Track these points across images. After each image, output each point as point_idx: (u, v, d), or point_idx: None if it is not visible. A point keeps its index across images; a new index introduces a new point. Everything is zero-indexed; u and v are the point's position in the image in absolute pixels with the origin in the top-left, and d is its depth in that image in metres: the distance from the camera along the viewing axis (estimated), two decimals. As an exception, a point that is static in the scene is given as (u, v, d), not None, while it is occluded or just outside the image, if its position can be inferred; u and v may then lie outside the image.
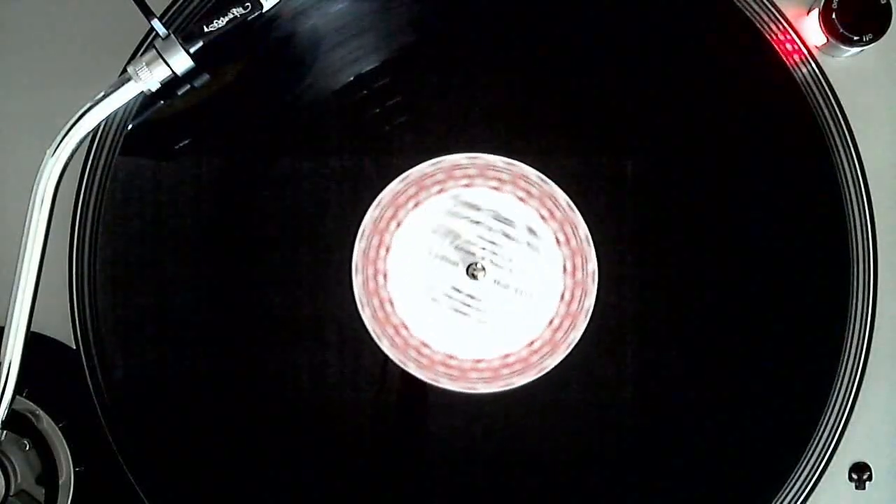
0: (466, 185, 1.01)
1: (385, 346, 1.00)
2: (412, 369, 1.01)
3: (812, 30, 1.02)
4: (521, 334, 1.01)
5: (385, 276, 1.01)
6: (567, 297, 1.01)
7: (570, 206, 1.01)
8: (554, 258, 1.01)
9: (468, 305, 1.01)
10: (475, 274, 1.00)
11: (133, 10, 0.91)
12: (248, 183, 1.01)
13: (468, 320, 1.01)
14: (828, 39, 1.00)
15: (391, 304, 1.01)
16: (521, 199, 1.01)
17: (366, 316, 1.00)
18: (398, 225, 1.01)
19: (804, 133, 1.01)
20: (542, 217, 1.01)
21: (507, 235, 1.01)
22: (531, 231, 1.01)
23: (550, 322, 1.01)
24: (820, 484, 1.00)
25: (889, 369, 1.02)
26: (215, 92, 0.99)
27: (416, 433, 1.01)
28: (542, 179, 1.01)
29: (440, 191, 1.01)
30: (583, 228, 1.00)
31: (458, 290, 1.01)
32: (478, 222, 1.01)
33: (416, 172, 1.01)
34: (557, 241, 1.01)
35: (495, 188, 1.01)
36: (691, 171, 1.01)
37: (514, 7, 1.02)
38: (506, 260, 1.01)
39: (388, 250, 1.01)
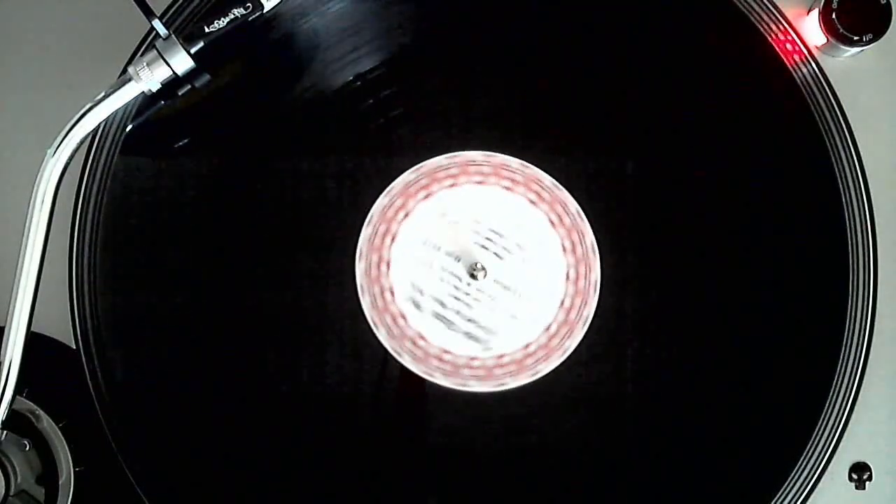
0: (479, 182, 1.01)
1: (382, 336, 1.00)
2: (407, 361, 1.01)
3: (812, 30, 1.02)
4: (518, 336, 1.01)
5: (388, 264, 1.01)
6: (567, 304, 1.01)
7: (579, 213, 1.01)
8: (558, 265, 1.01)
9: (468, 305, 1.01)
10: (475, 274, 1.00)
11: (133, 10, 0.91)
12: (248, 183, 1.01)
13: (466, 319, 1.01)
14: (828, 39, 1.00)
15: (391, 293, 1.01)
16: (532, 203, 1.01)
17: (365, 303, 1.00)
18: (406, 215, 1.01)
19: (804, 133, 1.01)
20: (552, 223, 1.01)
21: (511, 238, 1.01)
22: (535, 236, 1.01)
23: (547, 327, 1.01)
24: (820, 484, 1.00)
25: (889, 369, 1.02)
26: (215, 92, 0.99)
27: (409, 428, 1.01)
28: (556, 185, 1.01)
29: (453, 185, 1.01)
30: (590, 237, 1.00)
31: (458, 288, 1.01)
32: (481, 223, 1.01)
33: (431, 164, 1.01)
34: (564, 248, 1.01)
35: (508, 188, 1.01)
36: (691, 171, 1.01)
37: (514, 7, 1.02)
38: (508, 262, 1.01)
39: (393, 239, 1.00)
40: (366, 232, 1.01)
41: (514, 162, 1.01)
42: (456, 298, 1.01)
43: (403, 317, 1.01)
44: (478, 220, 1.01)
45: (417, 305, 1.01)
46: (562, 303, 1.01)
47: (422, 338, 1.01)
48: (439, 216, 1.01)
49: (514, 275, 1.01)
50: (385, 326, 1.01)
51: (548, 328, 1.01)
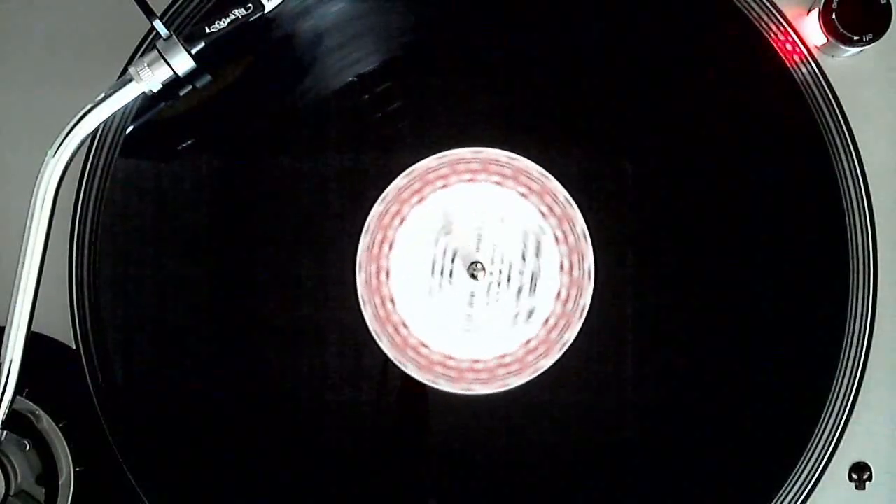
0: (470, 181, 1.01)
1: (385, 346, 1.00)
2: (411, 370, 1.01)
3: (812, 30, 1.02)
4: (518, 334, 1.01)
5: (387, 273, 1.01)
6: (563, 295, 1.01)
7: (568, 201, 1.01)
8: (551, 257, 1.01)
9: (469, 305, 1.01)
10: (475, 274, 1.00)
11: (133, 10, 0.91)
12: (249, 183, 1.01)
13: (468, 320, 1.01)
14: (828, 39, 1.00)
15: (392, 302, 1.01)
16: (523, 195, 1.01)
17: (367, 314, 1.00)
18: (402, 221, 1.01)
19: (804, 133, 1.01)
20: (542, 214, 1.01)
21: (505, 234, 1.01)
22: (529, 230, 1.01)
23: (546, 321, 1.01)
24: (820, 484, 1.00)
25: (889, 369, 1.02)
26: (215, 92, 0.99)
27: (416, 434, 1.01)
28: (544, 175, 1.01)
29: (444, 185, 1.01)
30: (580, 225, 1.01)
31: (459, 291, 1.01)
32: (477, 222, 1.01)
33: (421, 167, 1.01)
34: (556, 238, 1.01)
35: (497, 183, 1.01)
36: (691, 171, 1.01)
37: (514, 6, 1.02)
38: (505, 259, 1.01)
39: (391, 247, 1.01)
40: (360, 277, 1.01)
41: (534, 168, 1.01)
42: (482, 305, 1.01)
43: (406, 325, 1.01)
44: (459, 223, 1.01)
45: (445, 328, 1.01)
46: (558, 294, 1.01)
47: (424, 345, 1.01)
48: (441, 217, 1.01)
49: (504, 250, 1.01)
50: (388, 336, 1.01)
51: (546, 322, 1.01)
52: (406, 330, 1.01)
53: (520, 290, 1.01)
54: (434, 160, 1.01)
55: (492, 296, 1.01)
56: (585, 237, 1.01)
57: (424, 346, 1.01)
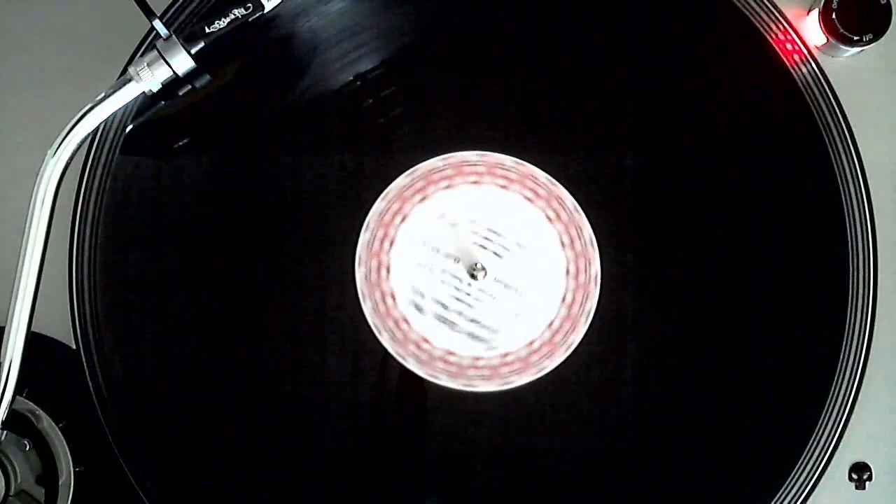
0: (475, 182, 1.01)
1: (385, 340, 1.00)
2: (412, 365, 1.01)
3: (812, 30, 1.02)
4: (522, 334, 1.01)
5: (388, 269, 1.01)
6: (569, 299, 1.01)
7: (576, 208, 1.01)
8: (557, 260, 1.01)
9: (470, 305, 1.01)
10: (475, 274, 1.00)
11: (133, 10, 0.91)
12: (249, 183, 1.01)
13: (468, 319, 1.01)
14: (828, 39, 1.00)
15: (392, 298, 1.01)
16: (529, 200, 1.01)
17: (367, 309, 1.00)
18: (403, 219, 1.01)
19: (804, 133, 1.01)
20: (549, 218, 1.01)
21: (509, 236, 1.01)
22: (533, 233, 1.01)
23: (550, 324, 1.01)
24: (820, 484, 1.00)
25: (889, 369, 1.02)
26: (215, 92, 0.99)
27: (415, 429, 1.01)
28: (551, 181, 1.01)
29: (448, 186, 1.01)
30: (588, 231, 1.01)
31: (459, 290, 1.01)
32: (478, 222, 1.01)
33: (425, 167, 1.01)
34: (562, 243, 1.01)
35: (503, 186, 1.01)
36: (691, 171, 1.01)
37: (514, 6, 1.02)
38: (508, 260, 1.01)
39: (392, 243, 1.01)
40: (364, 237, 1.01)
41: (509, 160, 1.01)
42: (457, 300, 1.01)
43: (406, 321, 1.01)
44: (475, 220, 1.01)
45: (420, 309, 1.01)
46: (563, 298, 1.01)
47: (426, 341, 1.01)
48: (437, 218, 1.01)
49: (514, 272, 1.01)
50: (388, 331, 1.01)
51: (551, 324, 1.01)
52: (407, 325, 1.01)
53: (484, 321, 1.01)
54: (440, 161, 1.01)
55: (465, 300, 1.01)
56: (592, 243, 1.01)
57: (426, 341, 1.01)
